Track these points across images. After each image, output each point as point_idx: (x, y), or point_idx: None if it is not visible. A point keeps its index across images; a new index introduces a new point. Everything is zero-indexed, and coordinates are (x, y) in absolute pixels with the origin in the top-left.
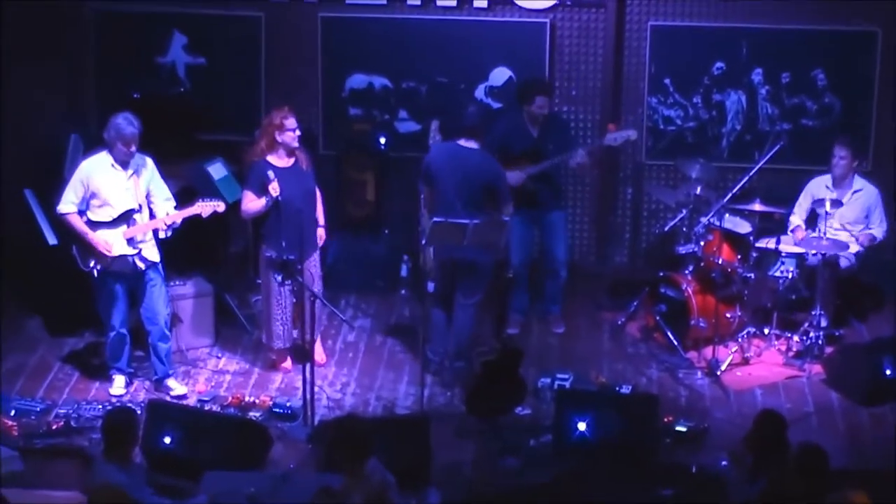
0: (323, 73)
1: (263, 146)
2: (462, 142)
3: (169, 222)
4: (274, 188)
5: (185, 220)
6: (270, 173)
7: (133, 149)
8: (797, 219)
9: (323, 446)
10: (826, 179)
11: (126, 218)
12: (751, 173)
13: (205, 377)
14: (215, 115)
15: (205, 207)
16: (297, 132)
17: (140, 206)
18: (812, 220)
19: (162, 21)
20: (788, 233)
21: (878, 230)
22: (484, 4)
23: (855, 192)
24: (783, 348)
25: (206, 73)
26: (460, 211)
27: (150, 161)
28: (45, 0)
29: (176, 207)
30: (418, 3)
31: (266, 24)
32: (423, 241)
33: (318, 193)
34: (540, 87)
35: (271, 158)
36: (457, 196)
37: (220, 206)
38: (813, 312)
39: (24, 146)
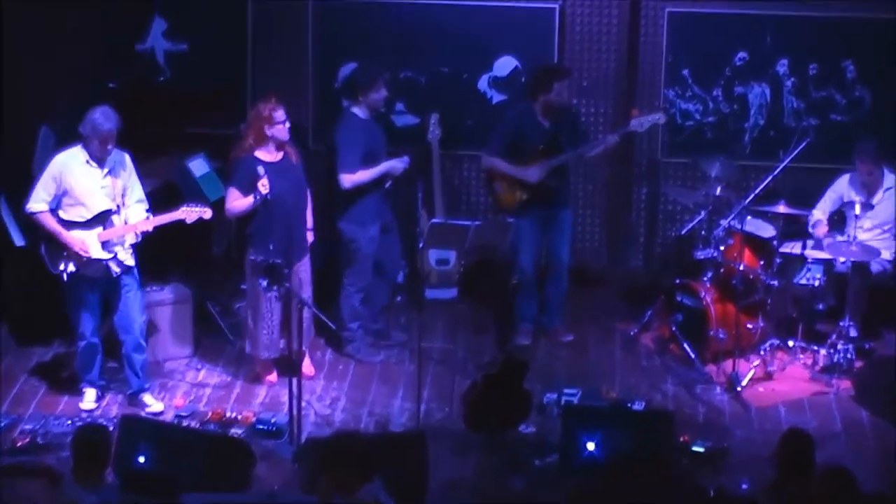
0: (314, 62)
1: (251, 141)
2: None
3: (150, 227)
4: (264, 185)
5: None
6: (260, 169)
7: (110, 146)
8: (820, 213)
9: (310, 466)
10: (856, 178)
11: (102, 219)
12: (775, 172)
13: (183, 391)
14: (197, 106)
15: (190, 213)
16: (287, 124)
17: (118, 206)
18: (840, 221)
19: (141, 4)
20: (809, 229)
21: None
22: None
23: (886, 189)
24: (809, 362)
25: (188, 60)
26: None
27: (127, 158)
28: None
29: (148, 211)
30: None
31: (252, 8)
32: (421, 245)
33: (308, 192)
34: (557, 73)
35: (259, 153)
36: None
37: (207, 213)
38: (841, 323)
39: None
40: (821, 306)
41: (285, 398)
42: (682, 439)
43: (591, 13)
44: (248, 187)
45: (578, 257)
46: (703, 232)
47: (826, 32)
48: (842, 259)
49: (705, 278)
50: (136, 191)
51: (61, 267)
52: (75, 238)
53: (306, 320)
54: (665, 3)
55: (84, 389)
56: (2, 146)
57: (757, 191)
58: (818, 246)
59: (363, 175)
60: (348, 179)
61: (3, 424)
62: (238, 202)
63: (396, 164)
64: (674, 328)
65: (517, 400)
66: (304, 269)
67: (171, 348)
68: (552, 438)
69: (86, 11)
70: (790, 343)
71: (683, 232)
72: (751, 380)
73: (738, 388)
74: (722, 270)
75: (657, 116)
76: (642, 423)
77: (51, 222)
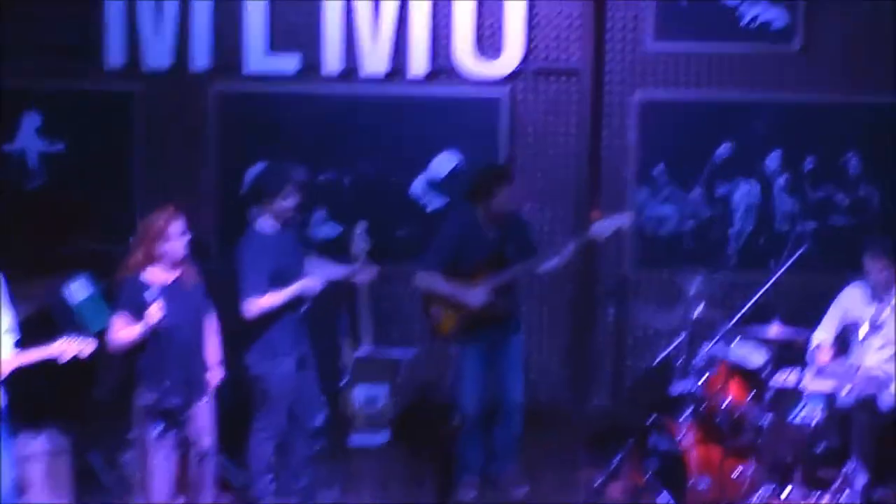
0: (217, 163)
1: (140, 258)
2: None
3: (16, 365)
4: (155, 311)
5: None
6: (151, 292)
7: None
8: (823, 334)
9: None
10: (863, 289)
11: None
12: (766, 287)
13: None
14: (79, 217)
15: (68, 347)
16: (186, 238)
17: None
18: (844, 342)
19: (9, 98)
20: (808, 356)
21: None
22: (421, 74)
23: None
24: None
25: (67, 163)
26: None
27: None
28: None
29: (17, 345)
30: (336, 73)
31: (141, 101)
32: (345, 381)
33: (212, 317)
34: (499, 176)
35: (150, 273)
36: None
37: (89, 347)
38: (846, 467)
39: None
40: (822, 447)
41: None
42: None
43: (545, 100)
44: (136, 314)
45: (532, 393)
46: (680, 361)
47: (825, 120)
48: (845, 391)
49: (684, 417)
50: (5, 319)
51: None
52: None
53: (207, 474)
54: (634, 88)
55: None
56: None
57: (744, 310)
58: (818, 375)
59: (271, 300)
60: (252, 307)
61: None
62: (124, 332)
63: (311, 284)
64: (647, 477)
65: None
66: (204, 413)
67: None
68: None
69: None
70: (786, 491)
71: (657, 362)
72: None
73: None
74: (703, 407)
75: (622, 219)
76: None
77: None
